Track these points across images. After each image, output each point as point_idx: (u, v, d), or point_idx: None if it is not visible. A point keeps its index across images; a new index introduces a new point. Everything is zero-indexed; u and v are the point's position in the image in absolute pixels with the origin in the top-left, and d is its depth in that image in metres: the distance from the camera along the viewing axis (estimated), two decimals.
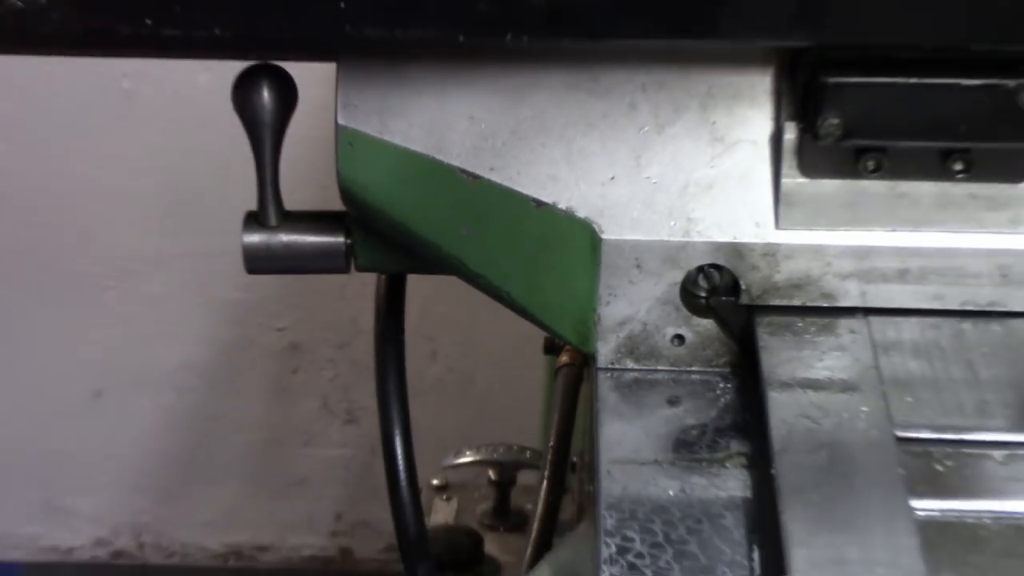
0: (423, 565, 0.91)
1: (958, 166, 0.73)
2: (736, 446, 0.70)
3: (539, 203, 0.74)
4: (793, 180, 0.73)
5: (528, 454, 1.26)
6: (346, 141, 0.74)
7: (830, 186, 0.73)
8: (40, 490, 2.16)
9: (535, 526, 1.00)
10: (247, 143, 0.78)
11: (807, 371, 0.71)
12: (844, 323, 0.74)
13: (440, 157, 0.74)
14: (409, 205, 0.75)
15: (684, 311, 0.75)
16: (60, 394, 2.09)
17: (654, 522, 0.65)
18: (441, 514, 1.27)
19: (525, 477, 1.27)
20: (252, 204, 0.80)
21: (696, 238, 0.74)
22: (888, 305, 0.75)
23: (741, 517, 0.66)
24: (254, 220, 0.80)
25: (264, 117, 0.77)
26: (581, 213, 0.74)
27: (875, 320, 0.75)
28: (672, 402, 0.74)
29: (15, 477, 2.14)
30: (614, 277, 0.74)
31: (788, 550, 0.60)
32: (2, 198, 1.97)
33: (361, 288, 0.82)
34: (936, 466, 0.67)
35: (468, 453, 1.26)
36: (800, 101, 0.72)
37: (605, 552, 0.63)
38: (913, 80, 0.70)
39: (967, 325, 0.75)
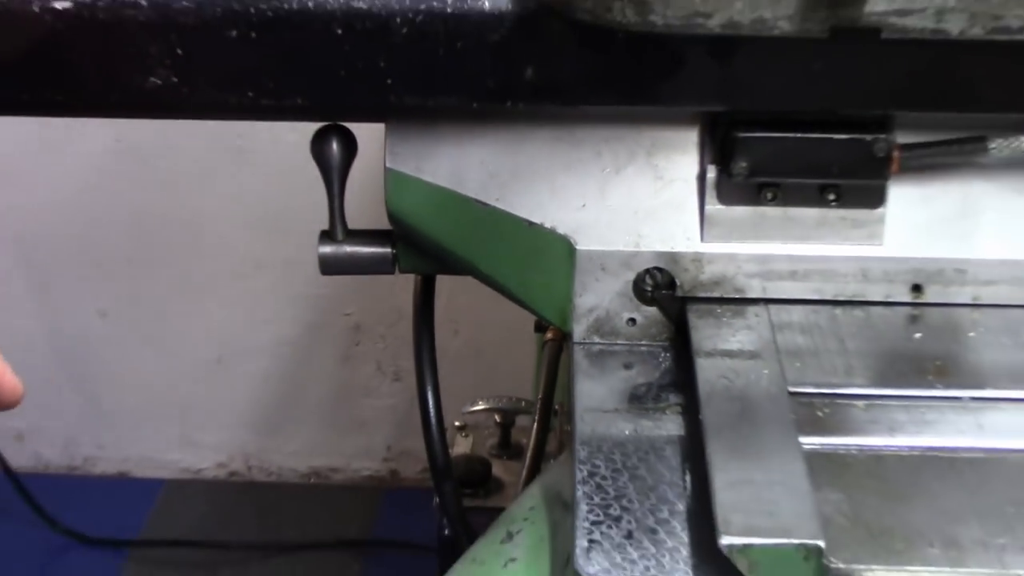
0: (447, 483, 0.91)
1: (831, 196, 0.72)
2: (674, 399, 0.70)
3: (531, 223, 0.73)
4: (713, 207, 0.72)
5: (523, 404, 1.24)
6: (392, 179, 0.73)
7: (740, 211, 0.73)
8: (179, 427, 2.16)
9: (528, 456, 0.99)
10: (321, 181, 0.77)
11: (724, 344, 0.70)
12: (750, 310, 0.73)
13: (460, 190, 0.73)
14: (438, 225, 0.75)
15: (635, 301, 0.74)
16: (193, 359, 2.09)
17: (615, 453, 0.64)
18: (461, 447, 1.25)
19: (522, 421, 1.26)
20: (325, 224, 0.79)
21: (644, 249, 0.73)
22: (782, 296, 0.74)
23: (677, 450, 0.65)
24: (326, 236, 0.79)
25: (333, 163, 0.76)
26: (561, 230, 0.73)
27: (773, 307, 0.74)
28: (627, 367, 0.73)
29: (161, 418, 2.14)
30: (585, 277, 0.73)
31: (711, 474, 0.59)
32: (150, 222, 1.97)
33: (404, 285, 0.82)
34: (817, 413, 0.66)
35: (480, 403, 1.25)
36: (718, 150, 0.71)
37: (579, 475, 0.63)
38: (799, 135, 0.69)
39: (838, 311, 0.74)
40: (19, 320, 2.06)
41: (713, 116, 0.71)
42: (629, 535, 0.59)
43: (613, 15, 0.57)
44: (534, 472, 0.98)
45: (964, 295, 0.73)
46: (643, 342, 0.75)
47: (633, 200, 0.73)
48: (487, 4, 0.63)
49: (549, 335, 1.04)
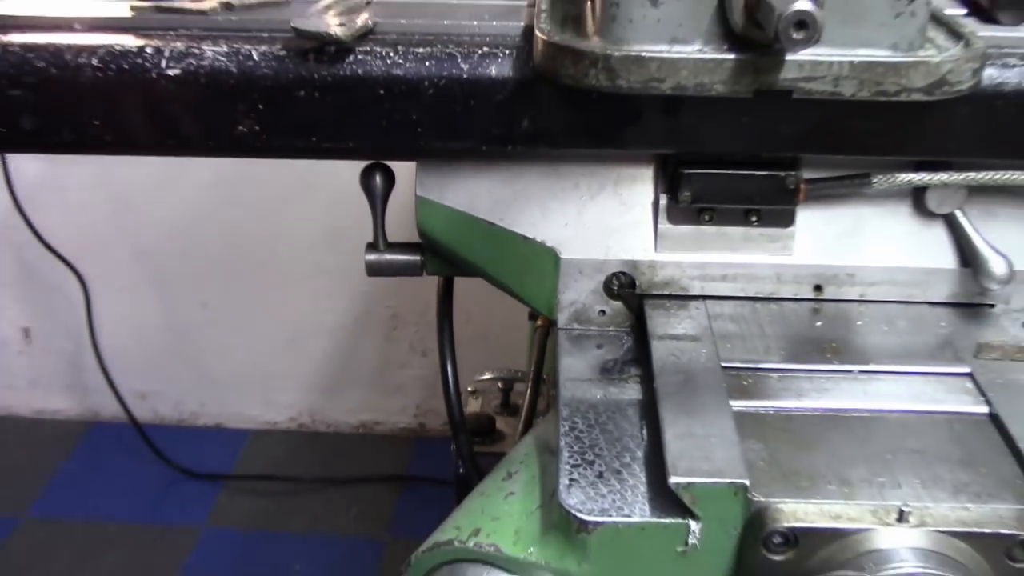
0: (462, 434, 0.90)
1: (754, 218, 0.71)
2: (634, 371, 0.69)
3: (526, 238, 0.72)
4: (665, 225, 0.72)
5: (520, 374, 1.24)
6: (421, 204, 0.72)
7: (685, 229, 0.72)
8: (260, 390, 2.15)
9: (523, 414, 0.98)
10: (368, 206, 0.76)
11: (672, 330, 0.69)
12: (692, 304, 0.73)
13: (473, 213, 0.72)
14: (456, 239, 0.74)
15: (605, 297, 0.73)
16: (270, 338, 2.08)
17: (589, 412, 0.64)
18: (472, 407, 1.24)
19: (519, 387, 1.25)
20: (371, 238, 0.78)
21: (612, 257, 0.72)
22: (716, 294, 0.73)
23: (637, 410, 0.64)
24: (371, 247, 0.79)
25: (377, 192, 0.75)
26: (549, 243, 0.72)
27: (709, 302, 0.73)
28: (599, 347, 0.72)
29: (248, 383, 2.14)
30: (567, 278, 0.72)
31: (663, 428, 0.58)
32: (240, 236, 1.97)
33: (430, 284, 0.81)
34: (743, 382, 0.65)
35: (487, 373, 1.24)
36: (669, 183, 0.71)
37: (562, 429, 0.62)
38: (730, 171, 0.69)
39: (758, 305, 0.73)
40: (142, 309, 2.07)
41: (665, 157, 0.70)
42: (600, 475, 0.58)
43: (589, 80, 0.57)
44: (528, 426, 0.97)
45: (853, 293, 0.73)
46: (611, 328, 0.74)
47: (604, 220, 0.72)
48: (494, 72, 0.63)
49: (539, 322, 1.03)
